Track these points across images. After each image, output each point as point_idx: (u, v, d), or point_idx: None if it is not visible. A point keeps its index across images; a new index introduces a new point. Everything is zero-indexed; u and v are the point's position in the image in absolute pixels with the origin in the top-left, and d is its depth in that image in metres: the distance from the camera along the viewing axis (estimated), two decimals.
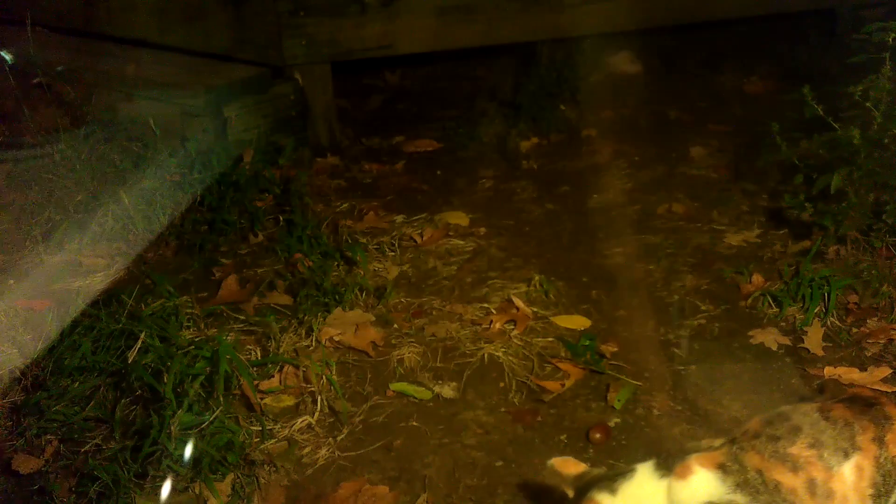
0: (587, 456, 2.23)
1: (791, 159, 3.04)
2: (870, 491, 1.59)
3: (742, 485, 1.60)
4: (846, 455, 1.59)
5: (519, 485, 2.17)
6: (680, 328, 2.71)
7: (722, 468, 1.62)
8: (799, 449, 1.60)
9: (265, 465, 2.23)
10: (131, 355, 2.36)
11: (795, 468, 1.59)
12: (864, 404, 1.66)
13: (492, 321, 2.74)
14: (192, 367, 2.31)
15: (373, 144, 4.21)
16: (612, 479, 1.66)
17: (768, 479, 1.59)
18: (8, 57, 3.64)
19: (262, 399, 2.40)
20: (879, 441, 1.60)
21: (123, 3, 4.44)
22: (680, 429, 2.31)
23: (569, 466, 1.73)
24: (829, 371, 2.47)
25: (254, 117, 3.89)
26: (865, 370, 2.47)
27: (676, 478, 1.63)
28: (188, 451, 2.14)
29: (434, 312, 2.83)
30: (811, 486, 1.58)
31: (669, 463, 1.66)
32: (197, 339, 2.48)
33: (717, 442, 1.74)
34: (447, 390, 2.50)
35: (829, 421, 1.62)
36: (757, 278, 2.89)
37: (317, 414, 2.38)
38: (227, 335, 2.60)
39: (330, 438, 2.33)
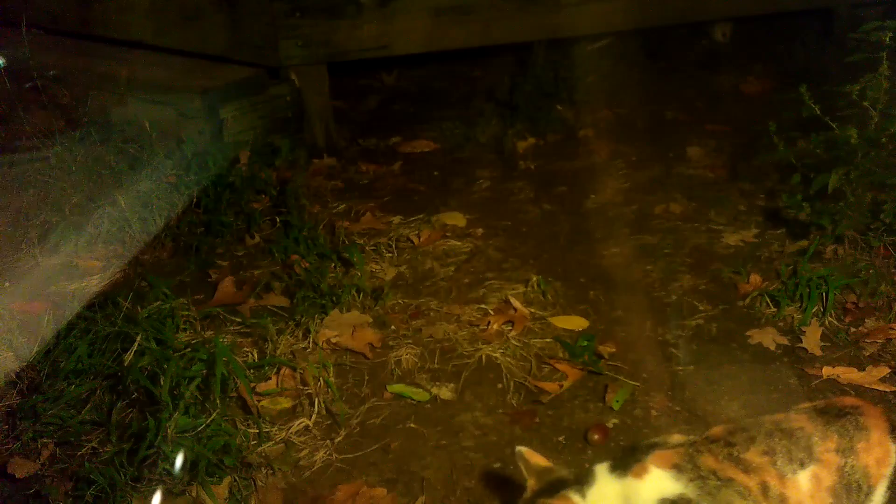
0: (585, 457, 2.22)
1: (788, 159, 3.04)
2: (829, 500, 1.62)
3: (694, 480, 1.64)
4: (802, 464, 1.63)
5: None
6: (678, 328, 2.71)
7: (676, 467, 1.67)
8: (752, 455, 1.64)
9: (262, 468, 2.22)
10: (127, 358, 2.36)
11: (748, 470, 1.63)
12: (836, 414, 1.69)
13: (489, 322, 2.74)
14: (189, 370, 2.30)
15: (369, 145, 4.20)
16: (579, 482, 1.70)
17: (722, 475, 1.63)
18: (2, 59, 3.63)
19: (258, 401, 2.40)
20: (846, 451, 1.64)
21: (119, 5, 4.43)
22: (678, 429, 2.30)
23: (536, 457, 1.78)
24: (827, 371, 2.47)
25: (250, 119, 3.88)
26: (864, 370, 2.46)
27: (633, 477, 1.68)
28: (185, 454, 2.13)
29: (431, 314, 2.82)
30: (764, 488, 1.62)
31: (625, 463, 1.70)
32: (193, 342, 2.47)
33: (673, 439, 1.76)
34: (445, 392, 2.49)
35: (783, 432, 1.66)
36: (755, 278, 2.89)
37: (314, 416, 2.38)
38: (224, 337, 2.60)
39: (327, 441, 2.32)
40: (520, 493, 1.77)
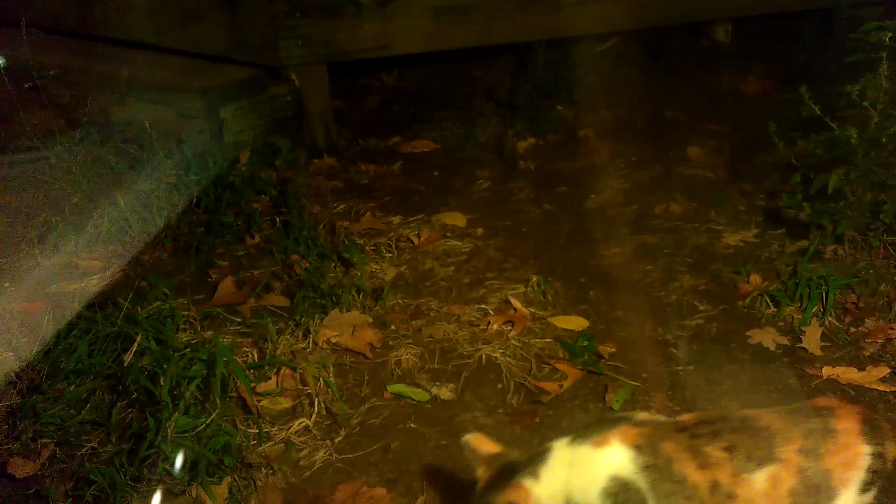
0: None
1: (788, 159, 3.04)
2: (787, 501, 1.61)
3: (650, 468, 1.62)
4: (760, 464, 1.61)
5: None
6: (678, 328, 2.71)
7: (638, 448, 1.63)
8: (712, 449, 1.62)
9: (262, 468, 2.22)
10: (127, 358, 2.36)
11: (703, 466, 1.61)
12: (807, 415, 1.68)
13: (489, 322, 2.74)
14: (189, 370, 2.30)
15: (369, 145, 4.20)
16: (533, 462, 1.66)
17: (676, 469, 1.61)
18: (2, 59, 3.63)
19: (258, 401, 2.40)
20: (809, 453, 1.62)
21: (119, 5, 4.43)
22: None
23: (484, 444, 1.73)
24: (827, 371, 2.47)
25: (250, 119, 3.88)
26: (864, 370, 2.46)
27: (592, 446, 1.65)
28: (185, 454, 2.13)
29: (431, 314, 2.82)
30: (714, 486, 1.60)
31: (588, 433, 1.67)
32: (193, 342, 2.47)
33: (641, 416, 1.75)
34: (445, 392, 2.49)
35: (749, 430, 1.64)
36: (755, 278, 2.89)
37: (314, 416, 2.38)
38: (224, 337, 2.60)
39: (327, 441, 2.32)
40: (472, 489, 1.71)
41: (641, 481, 1.61)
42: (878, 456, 1.64)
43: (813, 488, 1.61)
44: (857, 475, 1.63)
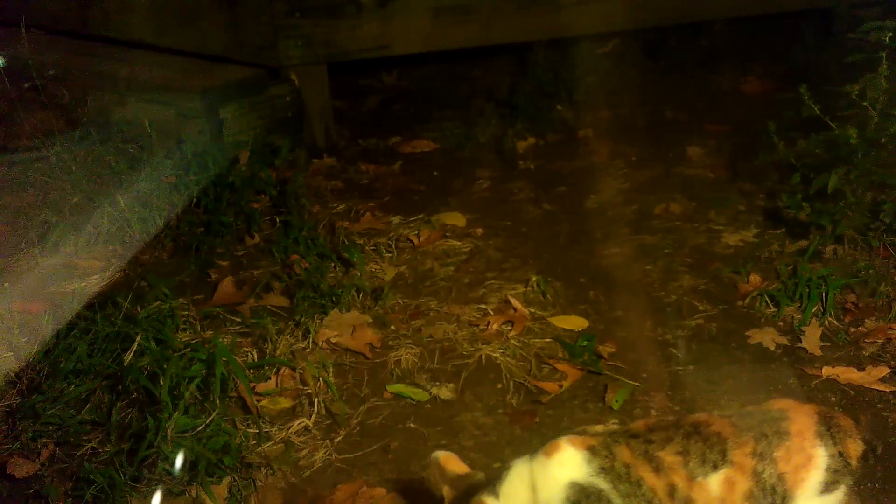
0: None
1: (788, 159, 3.04)
2: None
3: (607, 470, 1.63)
4: (714, 467, 1.62)
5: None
6: (678, 328, 2.71)
7: (591, 450, 1.64)
8: (666, 454, 1.63)
9: (262, 468, 2.22)
10: (127, 358, 2.36)
11: (659, 470, 1.63)
12: (760, 418, 1.68)
13: (489, 322, 2.74)
14: (189, 370, 2.31)
15: (369, 145, 4.20)
16: (493, 482, 1.67)
17: (633, 473, 1.62)
18: (2, 59, 3.63)
19: (258, 401, 2.40)
20: (762, 456, 1.63)
21: (119, 5, 4.43)
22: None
23: (452, 464, 1.73)
24: (826, 371, 2.47)
25: (250, 119, 3.88)
26: (863, 370, 2.47)
27: (544, 455, 1.65)
28: (184, 454, 2.13)
29: (431, 314, 2.82)
30: (671, 490, 1.62)
31: (542, 447, 1.68)
32: (193, 342, 2.47)
33: (595, 428, 1.76)
34: (444, 392, 2.49)
35: (700, 435, 1.65)
36: (754, 278, 2.89)
37: (314, 416, 2.38)
38: (224, 337, 2.60)
39: (327, 441, 2.32)
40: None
41: (602, 483, 1.61)
42: (836, 456, 1.65)
43: (768, 491, 1.62)
44: (814, 476, 1.64)
